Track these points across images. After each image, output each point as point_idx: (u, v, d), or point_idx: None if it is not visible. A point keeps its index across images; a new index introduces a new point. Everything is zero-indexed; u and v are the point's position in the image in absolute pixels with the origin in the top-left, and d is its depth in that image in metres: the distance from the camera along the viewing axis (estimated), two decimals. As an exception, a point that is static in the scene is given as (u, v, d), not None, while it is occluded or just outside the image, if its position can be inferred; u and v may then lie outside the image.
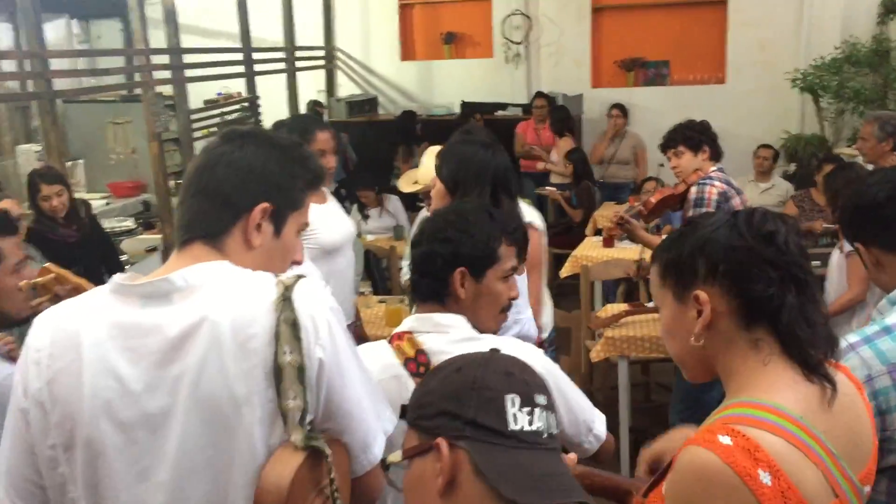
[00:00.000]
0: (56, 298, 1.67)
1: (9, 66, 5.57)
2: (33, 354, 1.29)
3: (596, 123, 8.17)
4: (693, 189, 3.53)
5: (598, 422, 1.78)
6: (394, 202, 6.36)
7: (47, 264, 1.81)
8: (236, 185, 1.33)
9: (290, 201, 1.39)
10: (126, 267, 4.82)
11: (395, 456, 1.13)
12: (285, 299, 1.22)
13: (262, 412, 1.21)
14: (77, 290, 1.69)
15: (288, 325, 1.20)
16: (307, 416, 1.22)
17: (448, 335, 1.69)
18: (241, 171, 1.34)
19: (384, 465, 1.18)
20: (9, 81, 5.54)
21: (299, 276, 1.28)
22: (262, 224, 1.34)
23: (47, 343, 1.28)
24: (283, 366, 1.19)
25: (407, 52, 9.21)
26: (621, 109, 7.51)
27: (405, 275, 4.04)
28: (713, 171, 3.57)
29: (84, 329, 1.26)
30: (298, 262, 1.47)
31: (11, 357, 1.91)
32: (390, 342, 1.73)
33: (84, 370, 1.24)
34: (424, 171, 3.12)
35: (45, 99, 5.03)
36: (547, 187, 7.06)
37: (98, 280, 1.64)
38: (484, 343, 1.68)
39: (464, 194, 2.44)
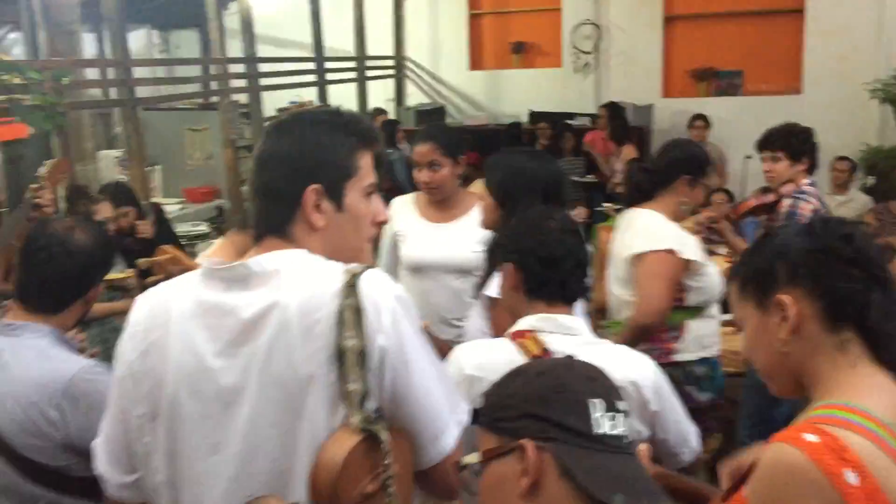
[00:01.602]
0: (169, 278, 1.77)
1: (92, 73, 5.80)
2: (132, 328, 1.37)
3: (667, 134, 8.05)
4: (786, 202, 3.35)
5: (693, 435, 1.80)
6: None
7: (164, 246, 1.90)
8: (281, 178, 1.35)
9: (340, 172, 1.38)
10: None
11: (473, 457, 1.13)
12: (351, 286, 1.25)
13: (324, 394, 1.24)
14: (188, 272, 1.79)
15: (351, 311, 1.23)
16: (368, 399, 1.24)
17: (577, 338, 1.73)
18: (281, 163, 1.36)
19: (460, 466, 1.18)
20: (92, 89, 5.80)
21: (368, 266, 1.31)
22: (321, 204, 1.35)
23: (143, 318, 1.37)
24: (346, 350, 1.22)
25: (475, 62, 9.26)
26: (704, 120, 7.34)
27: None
28: (806, 183, 3.39)
29: (174, 306, 1.34)
30: (384, 222, 1.47)
31: (81, 351, 2.01)
32: (512, 339, 1.76)
33: (171, 345, 1.31)
34: None
35: (127, 106, 5.22)
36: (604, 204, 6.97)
37: None
38: (603, 348, 1.76)
39: (514, 206, 2.35)
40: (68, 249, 1.86)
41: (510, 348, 1.72)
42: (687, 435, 1.78)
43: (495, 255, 2.22)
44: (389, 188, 5.47)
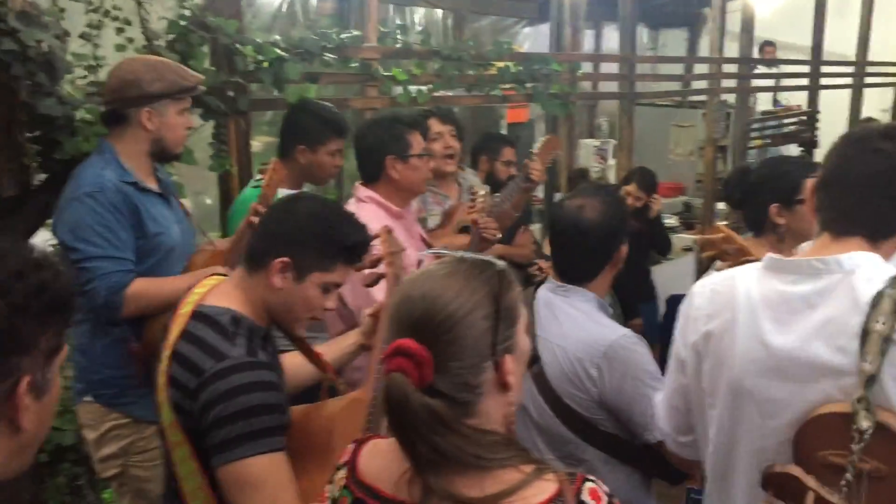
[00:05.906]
0: (723, 254, 1.91)
1: (586, 67, 6.22)
2: (693, 312, 1.54)
3: None
4: None
5: None
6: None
7: (718, 224, 2.06)
8: None
9: None
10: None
11: None
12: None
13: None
14: (741, 252, 1.89)
15: (890, 300, 1.26)
16: (874, 382, 1.24)
17: None
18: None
19: None
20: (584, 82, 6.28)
21: None
22: None
23: (706, 303, 1.52)
24: (871, 331, 1.25)
25: None
26: None
27: None
28: None
29: (739, 296, 1.46)
30: None
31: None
32: None
33: (737, 331, 1.44)
34: None
35: (627, 100, 5.55)
36: None
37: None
38: None
39: None
40: (581, 228, 2.00)
41: None
42: None
43: None
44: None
